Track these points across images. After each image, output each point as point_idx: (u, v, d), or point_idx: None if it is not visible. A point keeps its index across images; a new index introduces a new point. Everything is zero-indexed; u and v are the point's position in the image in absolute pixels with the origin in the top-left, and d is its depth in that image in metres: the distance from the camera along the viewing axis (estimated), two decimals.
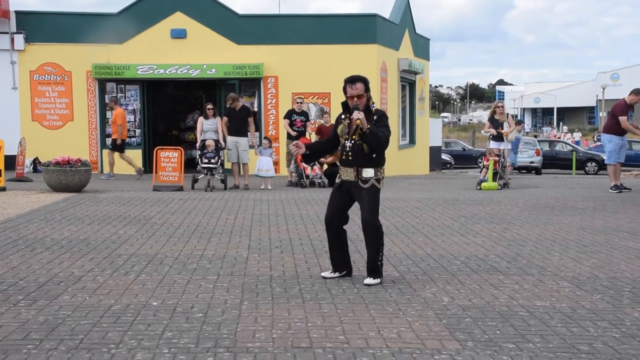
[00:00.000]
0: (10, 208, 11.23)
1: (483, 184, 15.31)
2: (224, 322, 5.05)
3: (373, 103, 6.36)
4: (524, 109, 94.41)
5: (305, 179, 16.08)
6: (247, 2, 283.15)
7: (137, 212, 10.98)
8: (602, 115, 57.00)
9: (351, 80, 6.27)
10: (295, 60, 20.35)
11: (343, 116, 6.39)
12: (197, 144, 15.40)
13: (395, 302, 5.61)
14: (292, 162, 16.48)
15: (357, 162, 6.24)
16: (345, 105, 6.38)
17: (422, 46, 25.90)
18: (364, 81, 6.30)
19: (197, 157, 15.36)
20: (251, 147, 16.16)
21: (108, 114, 20.26)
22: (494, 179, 15.36)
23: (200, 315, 5.22)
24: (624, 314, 5.31)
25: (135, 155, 20.57)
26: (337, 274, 6.48)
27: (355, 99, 6.20)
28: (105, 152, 19.41)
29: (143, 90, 20.95)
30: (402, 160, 22.69)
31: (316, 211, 11.08)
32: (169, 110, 23.58)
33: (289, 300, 5.68)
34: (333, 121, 6.92)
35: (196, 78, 20.88)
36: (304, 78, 20.29)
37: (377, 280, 6.22)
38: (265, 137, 17.42)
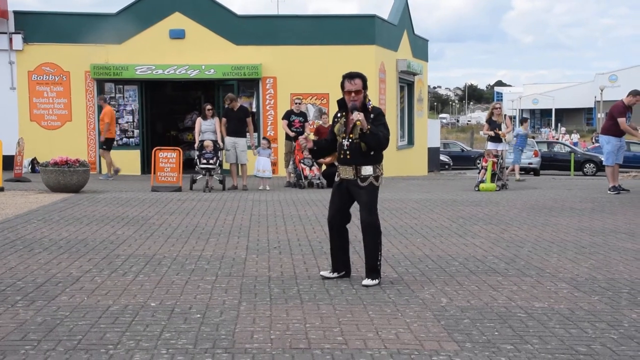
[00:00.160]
0: (9, 208, 11.22)
1: (481, 185, 15.31)
2: (222, 323, 5.05)
3: (369, 101, 6.36)
4: (522, 110, 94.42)
5: (303, 180, 16.08)
6: (245, 2, 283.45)
7: (136, 212, 10.97)
8: (600, 116, 57.03)
9: (350, 76, 6.28)
10: (294, 60, 20.35)
11: (339, 114, 6.39)
12: (196, 145, 15.40)
13: (393, 303, 5.61)
14: (291, 162, 16.48)
15: (355, 160, 6.24)
16: (341, 103, 6.37)
17: (420, 47, 25.92)
18: (363, 78, 6.30)
19: (196, 157, 15.35)
20: (249, 147, 16.16)
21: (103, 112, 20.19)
22: (492, 180, 15.37)
23: (199, 316, 5.21)
24: (622, 315, 5.32)
25: (134, 155, 20.62)
26: (335, 274, 6.48)
27: (353, 94, 6.20)
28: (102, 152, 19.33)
29: (141, 91, 20.94)
30: (401, 161, 22.70)
31: (314, 212, 11.08)
32: (167, 110, 23.57)
33: (287, 301, 5.68)
34: (331, 121, 6.91)
35: (195, 78, 20.87)
36: (303, 79, 20.30)
37: (376, 281, 6.22)
38: (263, 138, 17.41)
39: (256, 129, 19.56)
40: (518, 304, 5.60)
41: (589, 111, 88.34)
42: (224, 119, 15.54)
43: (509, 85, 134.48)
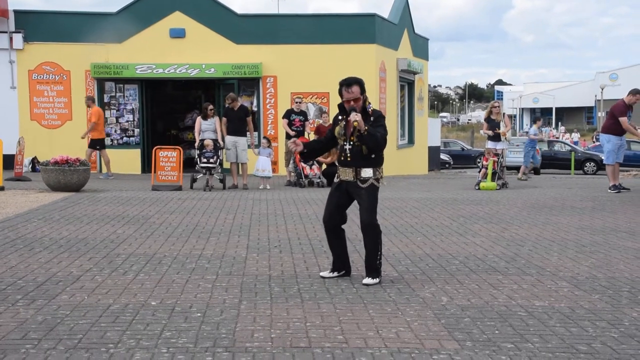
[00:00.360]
0: (9, 207, 11.22)
1: (482, 184, 15.32)
2: (223, 321, 5.05)
3: (370, 104, 6.35)
4: (522, 109, 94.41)
5: (304, 179, 16.08)
6: (246, 1, 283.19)
7: (136, 211, 10.97)
8: (601, 115, 57.04)
9: (347, 84, 6.24)
10: (294, 60, 20.35)
11: (340, 117, 6.39)
12: (196, 144, 15.39)
13: (394, 302, 5.61)
14: (291, 161, 16.48)
15: (356, 163, 6.24)
16: (341, 106, 6.37)
17: (420, 46, 25.91)
18: (360, 83, 6.27)
19: (196, 156, 15.35)
20: (250, 146, 16.16)
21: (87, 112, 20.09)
22: (493, 179, 15.37)
23: (199, 314, 5.21)
24: (622, 314, 5.32)
25: (134, 154, 20.62)
26: (335, 274, 6.48)
27: (352, 102, 6.20)
28: (98, 153, 19.25)
29: (142, 90, 20.93)
30: (401, 160, 22.70)
31: (315, 211, 11.08)
32: (167, 109, 23.56)
33: (287, 300, 5.68)
34: (331, 121, 6.91)
35: (195, 77, 20.87)
36: (303, 78, 20.29)
37: (376, 280, 6.22)
38: (264, 137, 17.41)
39: (256, 128, 19.56)
40: (518, 303, 5.60)
41: (589, 110, 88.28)
42: (224, 119, 15.54)
43: (510, 84, 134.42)
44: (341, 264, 6.51)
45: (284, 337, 4.69)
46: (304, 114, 16.87)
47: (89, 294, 5.81)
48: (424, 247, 8.07)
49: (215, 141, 15.12)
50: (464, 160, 37.14)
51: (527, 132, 18.92)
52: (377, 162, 6.28)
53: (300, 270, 6.81)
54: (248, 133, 15.71)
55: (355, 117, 6.08)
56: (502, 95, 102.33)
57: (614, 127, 13.99)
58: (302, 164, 16.12)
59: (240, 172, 15.70)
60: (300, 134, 16.23)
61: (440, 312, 5.32)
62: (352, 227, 8.23)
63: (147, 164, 19.71)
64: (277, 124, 19.93)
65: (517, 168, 29.82)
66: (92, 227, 9.34)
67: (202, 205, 11.85)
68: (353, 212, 6.68)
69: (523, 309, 5.44)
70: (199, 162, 15.11)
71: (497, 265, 7.07)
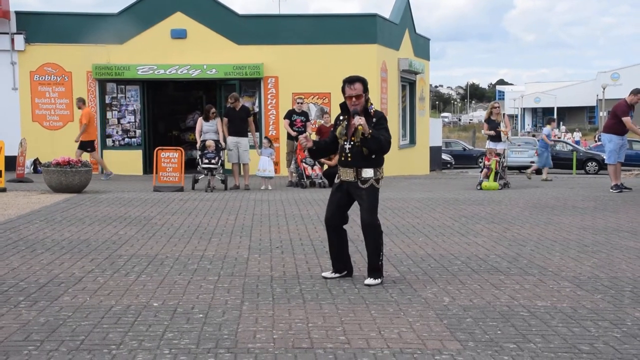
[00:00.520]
0: (11, 209, 11.23)
1: (484, 184, 15.32)
2: (225, 322, 5.05)
3: (371, 104, 6.35)
4: (524, 108, 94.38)
5: (305, 179, 16.08)
6: (247, 2, 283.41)
7: (138, 212, 10.97)
8: (603, 114, 57.01)
9: (350, 81, 6.26)
10: (296, 60, 20.35)
11: (342, 117, 6.39)
12: (198, 145, 15.39)
13: (396, 303, 5.61)
14: (293, 162, 16.48)
15: (357, 163, 6.24)
16: (343, 106, 6.37)
17: (422, 46, 25.91)
18: (363, 81, 6.29)
19: (198, 157, 15.35)
20: (252, 147, 16.16)
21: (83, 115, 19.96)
22: (495, 179, 15.37)
23: (201, 316, 5.21)
24: (625, 313, 5.31)
25: (136, 155, 20.63)
26: (337, 275, 6.48)
27: (354, 99, 6.20)
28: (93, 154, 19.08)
29: (143, 91, 20.95)
30: (403, 161, 22.70)
31: (317, 211, 11.08)
32: (169, 110, 23.59)
33: (289, 300, 5.68)
34: (333, 121, 6.91)
35: (196, 78, 20.88)
36: (304, 78, 20.30)
37: (378, 281, 6.22)
38: (265, 137, 17.41)
39: (258, 128, 19.57)
40: (521, 303, 5.60)
41: (591, 109, 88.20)
42: (225, 119, 15.54)
43: (511, 84, 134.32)
44: (342, 265, 6.50)
45: (286, 338, 4.69)
46: (305, 115, 16.88)
47: (91, 295, 5.81)
48: (426, 247, 8.07)
49: (216, 142, 15.12)
50: (466, 160, 37.13)
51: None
52: (377, 163, 6.28)
53: (302, 271, 6.80)
54: (250, 133, 15.71)
55: (359, 120, 6.06)
56: (503, 95, 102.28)
57: (616, 127, 13.99)
58: (304, 164, 16.12)
59: (242, 173, 15.70)
60: (301, 134, 16.22)
61: (443, 313, 5.32)
62: (354, 228, 8.22)
63: (148, 165, 19.72)
64: (279, 125, 19.93)
65: (526, 167, 29.90)
66: (94, 228, 9.35)
67: (203, 206, 11.85)
68: (354, 212, 6.68)
69: (525, 309, 5.43)
70: (200, 163, 15.11)
71: (499, 265, 7.07)
